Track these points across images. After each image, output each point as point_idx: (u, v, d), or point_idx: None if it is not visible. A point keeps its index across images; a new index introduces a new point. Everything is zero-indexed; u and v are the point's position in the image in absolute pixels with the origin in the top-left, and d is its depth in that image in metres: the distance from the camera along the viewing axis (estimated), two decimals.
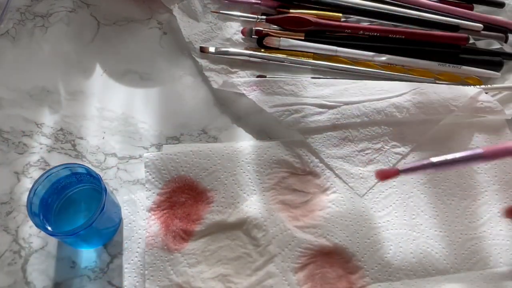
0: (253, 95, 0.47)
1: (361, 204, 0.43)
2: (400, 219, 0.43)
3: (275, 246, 0.41)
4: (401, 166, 0.38)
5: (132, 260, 0.42)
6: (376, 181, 0.45)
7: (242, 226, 0.43)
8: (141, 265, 0.41)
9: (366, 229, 0.42)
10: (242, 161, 0.45)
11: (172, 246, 0.41)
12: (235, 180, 0.44)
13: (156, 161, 0.45)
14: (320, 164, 0.45)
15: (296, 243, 0.41)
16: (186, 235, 0.42)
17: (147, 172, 0.44)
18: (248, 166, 0.45)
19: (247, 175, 0.44)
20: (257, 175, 0.45)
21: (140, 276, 0.41)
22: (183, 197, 0.44)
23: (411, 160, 0.46)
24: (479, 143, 0.47)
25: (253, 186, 0.44)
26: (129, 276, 0.41)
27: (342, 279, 0.40)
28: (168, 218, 0.43)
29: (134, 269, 0.41)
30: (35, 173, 0.46)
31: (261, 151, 0.46)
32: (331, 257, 0.41)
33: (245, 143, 0.47)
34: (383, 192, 0.45)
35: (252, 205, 0.43)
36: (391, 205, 0.44)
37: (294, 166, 0.46)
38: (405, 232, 0.42)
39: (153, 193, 0.44)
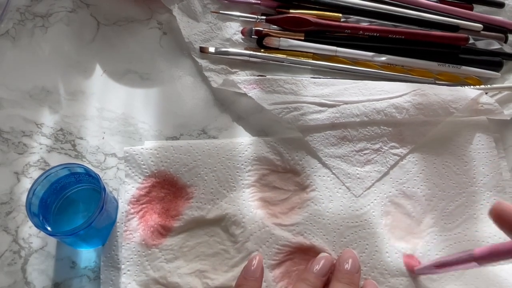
0: (253, 93, 0.47)
1: (339, 202, 0.44)
2: (377, 218, 0.43)
3: (253, 243, 0.41)
4: (417, 270, 0.41)
5: (109, 254, 0.42)
6: (373, 181, 0.45)
7: (221, 222, 0.43)
8: (118, 259, 0.41)
9: (343, 228, 0.42)
10: (223, 157, 0.45)
11: (150, 242, 0.42)
12: (215, 176, 0.44)
13: (136, 155, 0.45)
14: (301, 162, 0.45)
15: (274, 240, 0.42)
16: (165, 231, 0.42)
17: (127, 166, 0.44)
18: (229, 162, 0.45)
19: (227, 172, 0.45)
20: (237, 172, 0.45)
21: (117, 270, 0.41)
22: (162, 192, 0.44)
23: (411, 161, 0.46)
24: (479, 144, 0.47)
25: (233, 183, 0.44)
26: (106, 270, 0.41)
27: None
28: (147, 213, 0.43)
29: (110, 262, 0.41)
30: (35, 173, 0.46)
31: (242, 148, 0.46)
32: (308, 255, 0.42)
33: (226, 140, 0.47)
34: None
35: (232, 201, 0.43)
36: (369, 204, 0.44)
37: (275, 163, 0.46)
38: (381, 232, 0.42)
39: (133, 187, 0.44)
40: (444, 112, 0.46)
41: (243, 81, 0.48)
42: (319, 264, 0.40)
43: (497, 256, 0.32)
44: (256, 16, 0.55)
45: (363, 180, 0.45)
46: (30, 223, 0.43)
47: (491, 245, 0.32)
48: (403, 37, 0.53)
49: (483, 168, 0.46)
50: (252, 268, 0.39)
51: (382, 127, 0.47)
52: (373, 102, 0.47)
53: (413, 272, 0.41)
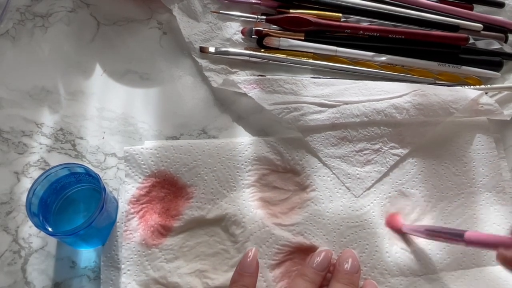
0: (253, 93, 0.47)
1: (339, 202, 0.44)
2: (377, 218, 0.43)
3: (253, 243, 0.41)
4: (405, 226, 0.42)
5: (109, 253, 0.42)
6: (372, 181, 0.45)
7: (221, 222, 0.43)
8: (118, 259, 0.41)
9: (343, 228, 0.42)
10: (223, 157, 0.45)
11: (150, 241, 0.42)
12: (215, 176, 0.44)
13: (136, 155, 0.45)
14: (301, 162, 0.45)
15: (274, 240, 0.42)
16: (165, 231, 0.42)
17: (127, 166, 0.44)
18: (229, 162, 0.45)
19: (227, 172, 0.45)
20: (237, 172, 0.45)
21: (117, 270, 0.41)
22: (162, 192, 0.44)
23: (410, 162, 0.46)
24: (479, 145, 0.47)
25: (233, 183, 0.44)
26: (106, 270, 0.41)
27: None
28: (147, 212, 0.43)
29: (111, 262, 0.41)
30: (35, 173, 0.46)
31: (242, 148, 0.46)
32: (308, 255, 0.41)
33: (226, 140, 0.47)
34: None
35: (232, 201, 0.43)
36: (368, 205, 0.44)
37: (275, 163, 0.46)
38: (381, 232, 0.42)
39: (133, 187, 0.44)
40: (444, 113, 0.46)
41: (243, 81, 0.48)
42: (317, 259, 0.39)
43: (485, 245, 0.34)
44: (256, 16, 0.55)
45: (363, 180, 0.45)
46: (30, 223, 0.43)
47: (482, 234, 0.33)
48: (403, 37, 0.53)
49: (482, 169, 0.46)
50: (247, 262, 0.38)
51: (382, 127, 0.47)
52: (373, 102, 0.47)
53: (399, 231, 0.41)
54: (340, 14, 0.54)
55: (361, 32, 0.54)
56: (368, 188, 0.44)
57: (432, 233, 0.39)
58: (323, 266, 0.39)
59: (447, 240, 0.38)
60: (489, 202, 0.44)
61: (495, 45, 0.55)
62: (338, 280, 0.38)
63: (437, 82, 0.52)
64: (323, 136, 0.46)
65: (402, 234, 0.42)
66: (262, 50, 0.53)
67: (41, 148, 0.47)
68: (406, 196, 0.45)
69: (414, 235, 0.41)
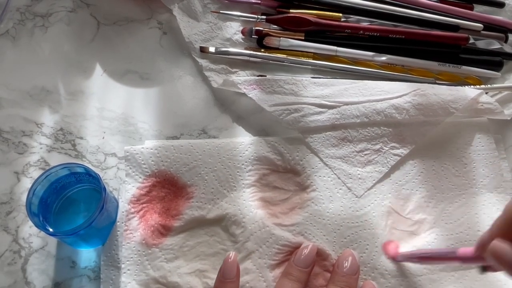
0: (253, 93, 0.47)
1: (339, 203, 0.44)
2: (377, 219, 0.43)
3: (253, 243, 0.41)
4: (399, 256, 0.41)
5: (109, 253, 0.42)
6: (374, 182, 0.45)
7: (221, 222, 0.43)
8: (118, 258, 0.41)
9: (343, 228, 0.42)
10: (224, 157, 0.45)
11: (150, 241, 0.42)
12: (215, 176, 0.44)
13: (136, 155, 0.45)
14: (301, 162, 0.45)
15: (274, 240, 0.41)
16: (165, 230, 0.42)
17: (128, 165, 0.44)
18: (229, 162, 0.45)
19: (227, 171, 0.45)
20: (237, 172, 0.45)
21: (117, 270, 0.41)
22: (163, 191, 0.44)
23: (410, 163, 0.46)
24: (479, 145, 0.47)
25: (234, 183, 0.44)
26: (106, 269, 0.41)
27: (319, 277, 0.41)
28: (147, 212, 0.43)
29: (111, 262, 0.41)
30: (35, 173, 0.46)
31: (243, 148, 0.46)
32: None
33: (226, 140, 0.47)
34: None
35: (232, 201, 0.43)
36: (369, 205, 0.44)
37: (275, 163, 0.46)
38: (381, 233, 0.42)
39: (133, 186, 0.44)
40: (444, 112, 0.46)
41: (244, 81, 0.48)
42: (301, 255, 0.40)
43: (479, 260, 0.32)
44: (256, 16, 0.55)
45: (364, 180, 0.45)
46: (30, 223, 0.43)
47: (474, 247, 0.32)
48: (403, 36, 0.53)
49: (483, 170, 0.46)
50: (228, 267, 0.38)
51: (382, 127, 0.47)
52: (373, 102, 0.47)
53: (394, 258, 0.41)
54: (340, 14, 0.54)
55: (361, 32, 0.54)
56: (369, 188, 0.44)
57: (426, 258, 0.38)
58: (307, 263, 0.39)
59: (442, 262, 0.37)
60: (491, 203, 0.44)
61: (495, 45, 0.55)
62: (334, 283, 0.39)
63: (437, 82, 0.52)
64: (323, 137, 0.46)
65: (396, 260, 0.41)
66: (262, 50, 0.53)
67: (41, 148, 0.47)
68: (407, 197, 0.45)
69: (409, 261, 0.41)
